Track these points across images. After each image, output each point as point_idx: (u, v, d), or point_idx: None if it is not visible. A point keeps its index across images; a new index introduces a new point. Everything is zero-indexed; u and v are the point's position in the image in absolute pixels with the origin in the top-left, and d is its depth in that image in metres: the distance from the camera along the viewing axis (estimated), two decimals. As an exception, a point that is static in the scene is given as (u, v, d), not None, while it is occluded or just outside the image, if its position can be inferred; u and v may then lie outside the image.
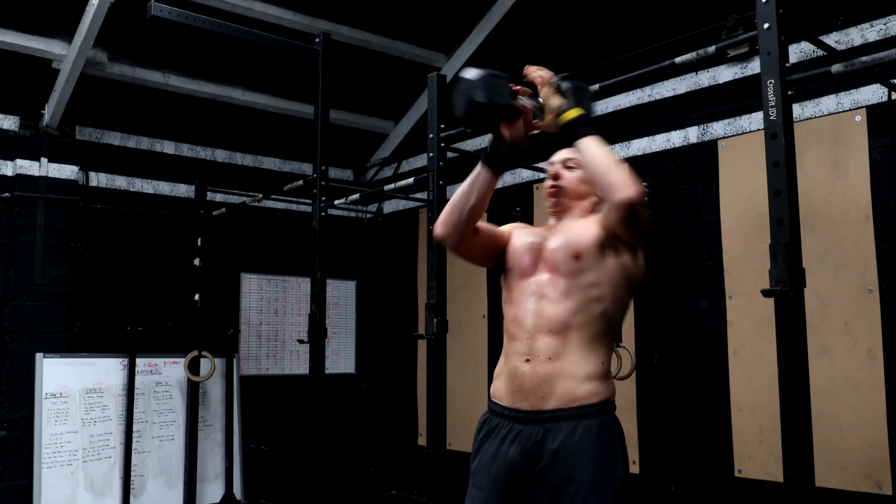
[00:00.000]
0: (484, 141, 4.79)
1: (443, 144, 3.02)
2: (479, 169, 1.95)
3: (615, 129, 4.04)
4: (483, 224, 2.03)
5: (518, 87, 1.95)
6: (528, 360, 1.81)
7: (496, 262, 2.05)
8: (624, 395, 3.72)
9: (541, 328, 1.81)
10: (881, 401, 2.94)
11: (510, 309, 1.93)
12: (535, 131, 1.98)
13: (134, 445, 4.33)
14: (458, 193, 1.95)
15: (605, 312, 1.83)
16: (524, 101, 1.94)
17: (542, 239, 1.95)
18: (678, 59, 2.44)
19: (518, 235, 2.03)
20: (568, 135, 1.82)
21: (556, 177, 2.01)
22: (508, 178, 4.66)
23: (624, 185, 1.70)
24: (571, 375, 1.77)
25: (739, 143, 3.50)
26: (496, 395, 1.91)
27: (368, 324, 5.61)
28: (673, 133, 3.79)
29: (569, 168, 2.01)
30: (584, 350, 1.79)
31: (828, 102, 3.20)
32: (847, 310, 3.06)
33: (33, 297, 4.15)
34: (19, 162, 4.20)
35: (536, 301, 1.85)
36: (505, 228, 2.09)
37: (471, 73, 1.88)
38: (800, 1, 3.20)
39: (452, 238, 1.97)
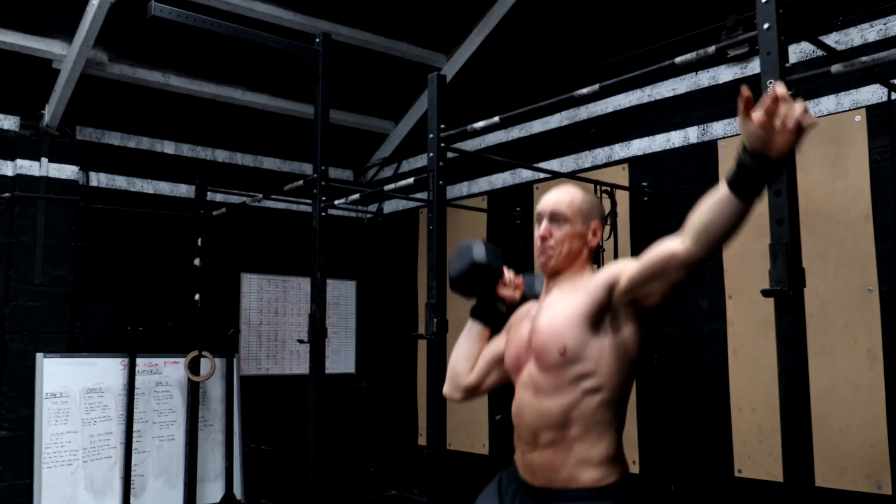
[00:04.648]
0: (485, 141, 4.79)
1: (443, 144, 3.02)
2: (470, 323, 2.10)
3: (615, 129, 4.05)
4: (488, 358, 2.05)
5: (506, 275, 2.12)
6: (533, 449, 1.80)
7: None
8: (624, 395, 3.72)
9: (540, 424, 1.78)
10: (881, 401, 2.95)
11: (514, 401, 1.90)
12: (515, 302, 2.10)
13: (134, 445, 4.33)
14: (456, 349, 2.09)
15: (603, 401, 1.74)
16: (511, 277, 2.12)
17: (531, 322, 1.88)
18: (678, 59, 2.43)
19: (511, 328, 2.00)
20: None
21: (544, 238, 1.88)
22: (508, 179, 4.66)
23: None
24: (576, 462, 1.74)
25: (739, 143, 3.49)
26: (516, 460, 1.92)
27: (368, 324, 5.61)
28: (673, 133, 3.79)
29: (557, 223, 1.88)
30: (587, 439, 1.74)
31: (828, 102, 3.20)
32: (847, 310, 3.06)
33: (33, 297, 4.16)
34: (20, 162, 4.20)
35: (531, 395, 1.81)
36: (504, 337, 2.05)
37: (476, 244, 2.09)
38: (800, 1, 3.21)
39: (459, 393, 2.10)
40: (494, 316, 2.10)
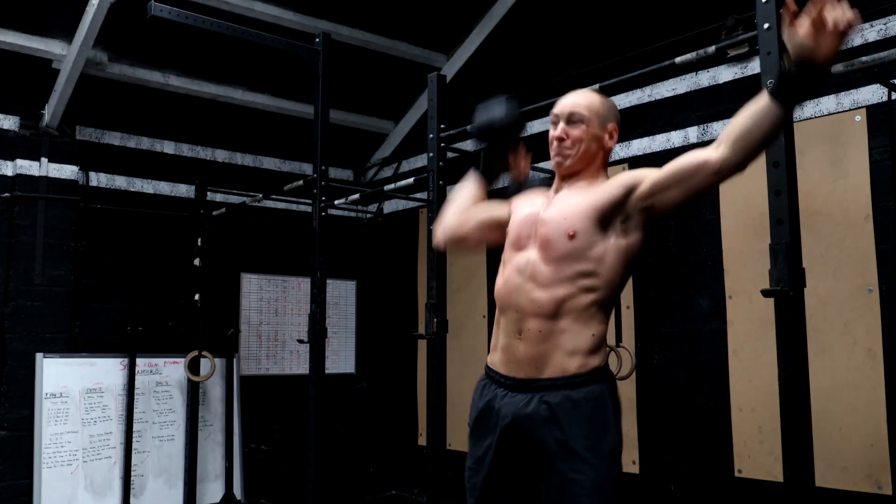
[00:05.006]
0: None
1: (443, 144, 3.02)
2: (472, 178, 2.14)
3: (615, 129, 4.04)
4: (484, 217, 2.07)
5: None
6: (519, 338, 1.81)
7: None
8: (624, 395, 3.70)
9: (531, 311, 1.79)
10: (881, 401, 2.95)
11: (502, 281, 1.91)
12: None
13: (134, 445, 4.33)
14: (453, 200, 2.12)
15: (598, 299, 1.78)
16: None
17: (541, 208, 1.90)
18: (678, 59, 2.44)
19: (518, 208, 2.00)
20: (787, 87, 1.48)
21: (561, 139, 1.89)
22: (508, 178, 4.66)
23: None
24: (563, 350, 1.77)
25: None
26: (493, 363, 1.92)
27: (368, 324, 5.61)
28: (673, 133, 3.79)
29: (574, 124, 1.88)
30: (575, 328, 1.77)
31: (828, 102, 3.20)
32: (847, 310, 3.06)
33: (33, 297, 4.15)
34: (19, 162, 4.20)
35: (526, 281, 1.82)
36: (506, 207, 2.06)
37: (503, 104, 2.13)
38: (800, 1, 3.21)
39: (444, 242, 2.13)
40: (495, 177, 2.15)
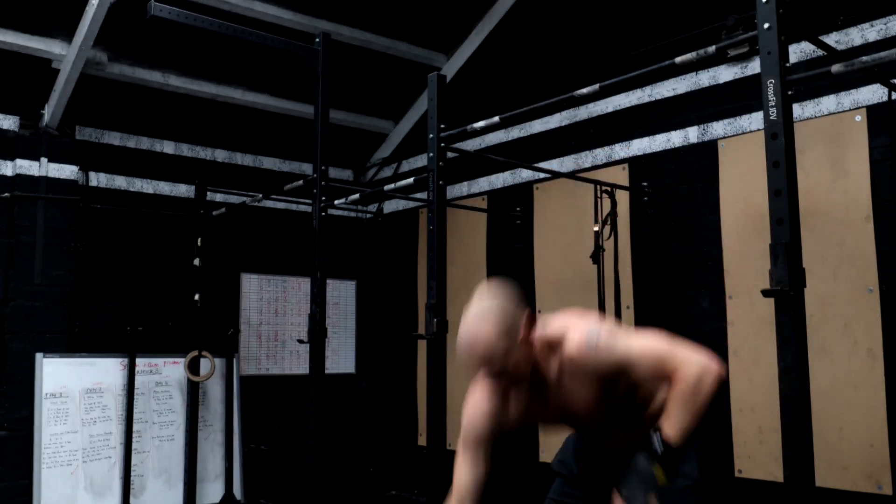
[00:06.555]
0: (485, 141, 4.78)
1: (443, 144, 3.02)
2: None
3: (615, 129, 4.04)
4: (480, 453, 1.95)
5: None
6: (589, 438, 2.08)
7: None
8: (624, 395, 3.72)
9: (593, 432, 2.04)
10: (881, 401, 2.94)
11: (573, 432, 2.18)
12: None
13: (134, 445, 4.33)
14: None
15: (644, 395, 1.92)
16: None
17: (540, 400, 1.93)
18: (678, 59, 2.43)
19: (511, 406, 1.95)
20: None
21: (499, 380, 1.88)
22: (508, 179, 4.66)
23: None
24: (632, 431, 1.94)
25: (739, 143, 3.50)
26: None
27: (368, 324, 5.61)
28: (673, 133, 3.79)
29: (503, 375, 1.82)
30: (638, 420, 1.94)
31: (828, 102, 3.19)
32: (847, 310, 3.06)
33: (33, 297, 4.15)
34: (19, 162, 4.20)
35: (599, 432, 2.03)
36: (477, 431, 1.94)
37: None
38: (800, 1, 3.21)
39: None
40: None
